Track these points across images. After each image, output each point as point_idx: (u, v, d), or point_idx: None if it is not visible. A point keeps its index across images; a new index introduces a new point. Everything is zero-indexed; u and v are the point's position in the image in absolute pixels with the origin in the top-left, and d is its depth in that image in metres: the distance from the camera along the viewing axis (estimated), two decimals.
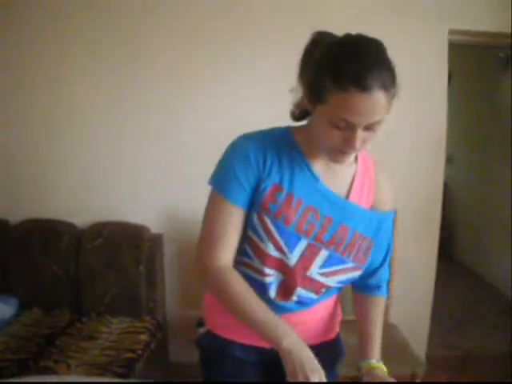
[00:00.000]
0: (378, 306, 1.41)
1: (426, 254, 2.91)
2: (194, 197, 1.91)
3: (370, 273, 1.36)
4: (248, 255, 1.25)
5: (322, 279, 1.25)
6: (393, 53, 1.04)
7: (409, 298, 2.85)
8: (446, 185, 3.45)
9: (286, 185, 1.18)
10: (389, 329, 2.50)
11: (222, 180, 1.20)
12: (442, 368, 2.99)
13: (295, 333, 1.13)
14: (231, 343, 1.36)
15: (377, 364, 1.31)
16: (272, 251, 1.20)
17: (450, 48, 2.71)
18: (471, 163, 4.85)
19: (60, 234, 2.66)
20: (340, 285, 1.30)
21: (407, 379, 2.24)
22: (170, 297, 2.80)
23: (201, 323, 1.46)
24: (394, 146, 2.58)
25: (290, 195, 1.18)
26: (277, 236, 1.19)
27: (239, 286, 1.19)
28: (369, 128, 1.04)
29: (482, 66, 4.54)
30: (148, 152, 2.72)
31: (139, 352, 2.30)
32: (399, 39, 2.48)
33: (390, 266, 1.41)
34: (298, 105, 1.23)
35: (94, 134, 2.71)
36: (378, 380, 1.24)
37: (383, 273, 1.38)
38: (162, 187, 2.74)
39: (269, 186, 1.17)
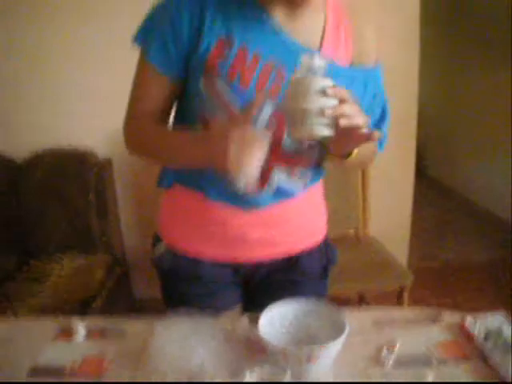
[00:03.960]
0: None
1: (402, 166, 2.70)
2: None
3: None
4: None
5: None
6: None
7: (388, 211, 2.67)
8: None
9: (236, 37, 0.92)
10: (370, 242, 2.34)
11: (143, 35, 0.98)
12: (423, 279, 2.88)
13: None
14: (198, 261, 1.10)
15: None
16: None
17: None
18: (440, 73, 4.62)
19: None
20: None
21: (395, 292, 2.07)
22: (127, 229, 2.52)
23: (158, 238, 1.16)
24: None
25: (242, 50, 0.92)
26: (233, 103, 0.93)
27: (156, 125, 1.01)
28: None
29: None
30: (88, 67, 2.34)
31: (94, 292, 2.03)
32: None
33: (387, 123, 1.11)
34: None
35: (25, 51, 2.32)
36: None
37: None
38: (107, 105, 2.37)
39: (213, 43, 0.92)
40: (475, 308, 2.57)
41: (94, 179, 2.30)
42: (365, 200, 2.36)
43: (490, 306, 2.55)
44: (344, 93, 0.79)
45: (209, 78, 0.93)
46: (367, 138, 0.82)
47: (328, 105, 0.77)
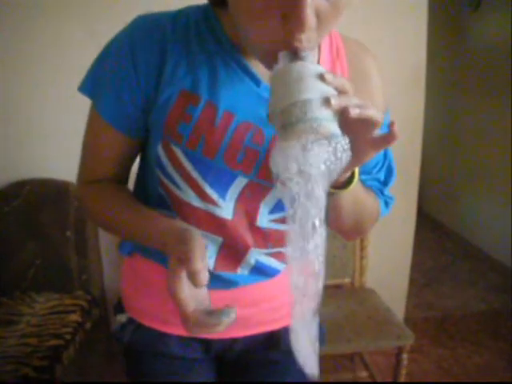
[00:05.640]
0: (368, 192, 0.87)
1: (404, 211, 2.55)
2: None
3: None
4: (166, 205, 0.83)
5: (279, 227, 0.84)
6: None
7: (386, 258, 2.54)
8: None
9: (203, 91, 0.74)
10: (366, 293, 2.17)
11: (92, 86, 0.79)
12: (421, 329, 2.78)
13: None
14: (164, 336, 0.94)
15: None
16: (195, 201, 0.79)
17: None
18: (440, 108, 4.53)
19: None
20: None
21: (393, 353, 1.91)
22: (108, 267, 2.35)
23: (120, 307, 1.01)
24: None
25: (210, 106, 0.74)
26: (197, 176, 0.76)
27: (111, 197, 0.84)
28: None
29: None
30: (72, 96, 2.20)
31: (68, 337, 1.86)
32: None
33: (391, 180, 0.90)
34: None
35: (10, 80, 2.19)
36: None
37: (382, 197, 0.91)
38: None
39: (174, 96, 0.74)
40: (477, 363, 2.50)
41: (74, 214, 2.14)
42: (363, 246, 2.21)
43: (491, 361, 2.48)
44: (345, 81, 0.59)
45: (167, 143, 0.76)
46: (385, 139, 0.62)
47: (330, 92, 0.57)
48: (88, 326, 2.06)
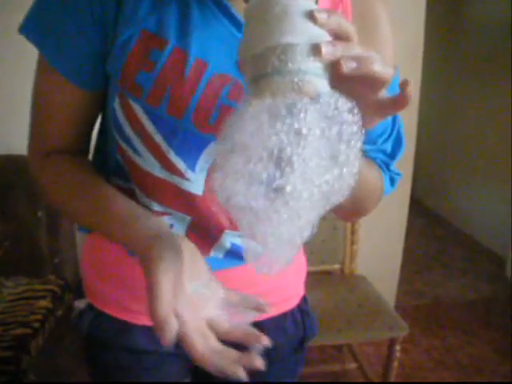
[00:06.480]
0: (371, 167, 0.74)
1: (396, 195, 2.41)
2: None
3: None
4: (124, 176, 0.70)
5: None
6: None
7: (377, 247, 2.43)
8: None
9: (170, 34, 0.60)
10: (357, 281, 2.06)
11: (35, 24, 0.64)
12: (413, 320, 2.64)
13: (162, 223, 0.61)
14: (128, 326, 0.81)
15: None
16: (157, 172, 0.65)
17: None
18: (436, 93, 4.42)
19: None
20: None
21: (384, 344, 1.81)
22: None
23: (80, 291, 0.87)
24: None
25: (179, 53, 0.60)
26: (160, 141, 0.63)
27: (67, 169, 0.69)
28: None
29: None
30: None
31: (36, 325, 1.72)
32: None
33: (399, 153, 0.77)
34: None
35: None
36: None
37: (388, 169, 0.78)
38: None
39: (135, 37, 0.59)
40: (468, 353, 2.41)
41: None
42: (354, 230, 2.09)
43: (483, 351, 2.40)
44: (344, 22, 0.44)
45: (124, 98, 0.63)
46: (395, 103, 0.46)
47: (323, 37, 0.43)
48: (59, 312, 1.92)
